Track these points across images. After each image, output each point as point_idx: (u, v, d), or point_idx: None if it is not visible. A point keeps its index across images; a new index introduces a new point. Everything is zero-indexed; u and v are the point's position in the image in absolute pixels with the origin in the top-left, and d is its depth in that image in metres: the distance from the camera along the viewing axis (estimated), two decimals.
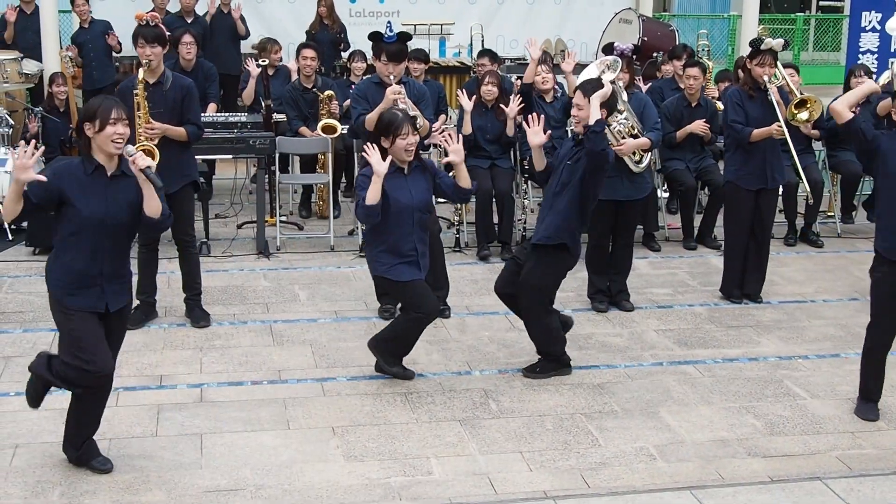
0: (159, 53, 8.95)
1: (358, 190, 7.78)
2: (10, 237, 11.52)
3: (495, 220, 11.52)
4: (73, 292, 6.34)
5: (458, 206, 11.44)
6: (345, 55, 14.84)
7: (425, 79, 12.73)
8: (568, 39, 17.77)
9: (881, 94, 10.56)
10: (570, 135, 8.64)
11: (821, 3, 28.02)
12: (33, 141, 7.17)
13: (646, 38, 15.59)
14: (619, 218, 9.58)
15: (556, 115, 11.53)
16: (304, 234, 12.24)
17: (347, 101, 12.60)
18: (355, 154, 12.05)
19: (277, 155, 11.92)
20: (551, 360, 8.26)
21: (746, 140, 9.58)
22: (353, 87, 13.16)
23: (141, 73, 8.79)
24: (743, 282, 10.05)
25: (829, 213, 12.89)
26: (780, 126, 9.52)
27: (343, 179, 13.56)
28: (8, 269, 10.70)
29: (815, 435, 7.37)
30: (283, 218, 12.43)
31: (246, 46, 15.99)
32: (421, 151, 8.21)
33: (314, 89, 12.48)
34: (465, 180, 8.03)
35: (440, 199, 12.83)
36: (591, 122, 7.93)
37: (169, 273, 10.06)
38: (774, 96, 9.57)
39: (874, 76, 12.08)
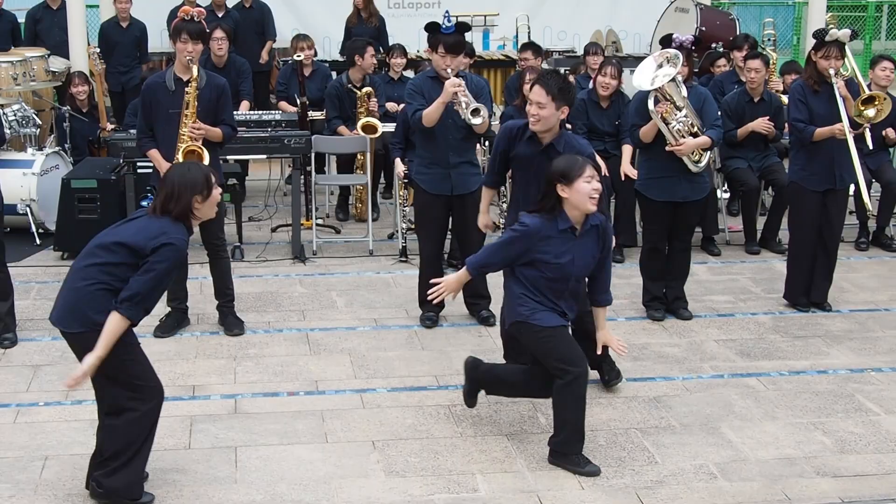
0: (200, 51, 9.00)
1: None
2: (38, 241, 11.61)
3: None
4: None
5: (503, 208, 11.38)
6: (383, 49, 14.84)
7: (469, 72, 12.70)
8: (620, 30, 17.66)
9: None
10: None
11: None
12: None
13: (704, 28, 15.47)
14: (677, 220, 9.50)
15: (609, 128, 11.48)
16: (341, 237, 12.25)
17: (392, 105, 12.64)
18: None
19: (313, 155, 11.93)
20: None
21: (809, 139, 9.47)
22: (391, 83, 13.27)
23: (194, 71, 8.80)
24: (810, 288, 9.94)
25: None
26: (842, 129, 9.39)
27: (382, 180, 13.56)
28: (36, 274, 10.79)
29: (889, 453, 7.29)
30: (320, 221, 12.45)
31: (282, 40, 16.03)
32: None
33: (350, 85, 12.49)
34: None
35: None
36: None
37: (201, 279, 10.10)
38: (841, 91, 9.44)
39: None
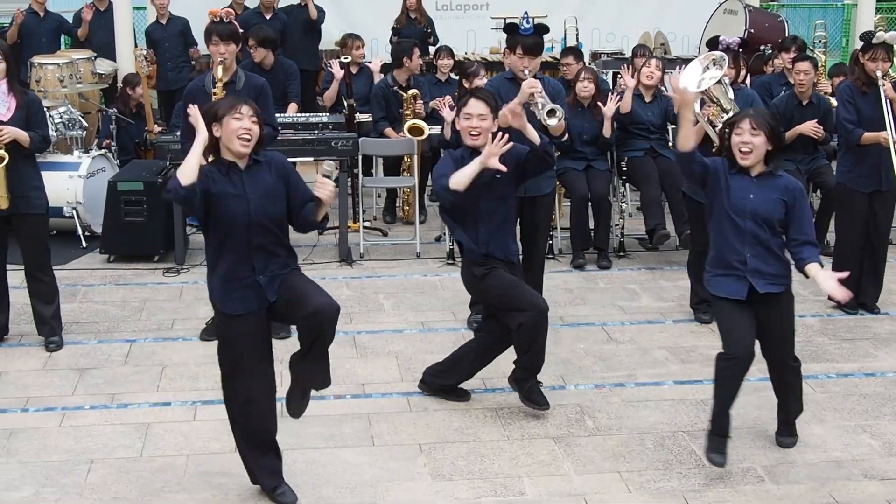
0: (233, 51, 9.04)
1: None
2: (84, 244, 11.71)
3: (591, 225, 11.51)
4: None
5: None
6: (431, 50, 14.90)
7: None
8: (668, 32, 17.68)
9: None
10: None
11: None
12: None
13: (752, 30, 15.46)
14: None
15: (654, 120, 11.52)
16: (388, 240, 12.32)
17: (437, 101, 12.68)
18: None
19: (360, 157, 11.99)
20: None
21: (856, 142, 9.49)
22: (438, 84, 13.32)
23: (220, 72, 8.88)
24: (858, 291, 9.93)
25: None
26: (887, 138, 9.38)
27: (429, 183, 13.61)
28: (82, 277, 10.89)
29: None
30: (367, 223, 12.52)
31: (327, 43, 16.13)
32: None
33: (395, 87, 12.56)
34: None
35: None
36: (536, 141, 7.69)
37: None
38: (888, 93, 9.44)
39: None
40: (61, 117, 12.54)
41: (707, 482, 6.88)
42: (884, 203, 9.75)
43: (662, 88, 11.83)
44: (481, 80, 11.11)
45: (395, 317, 9.84)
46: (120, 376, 8.44)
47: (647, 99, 11.65)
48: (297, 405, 6.64)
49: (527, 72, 8.94)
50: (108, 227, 11.33)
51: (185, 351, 8.96)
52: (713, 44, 9.62)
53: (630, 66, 13.46)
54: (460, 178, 7.39)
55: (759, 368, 8.57)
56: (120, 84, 14.27)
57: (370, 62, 14.08)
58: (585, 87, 11.44)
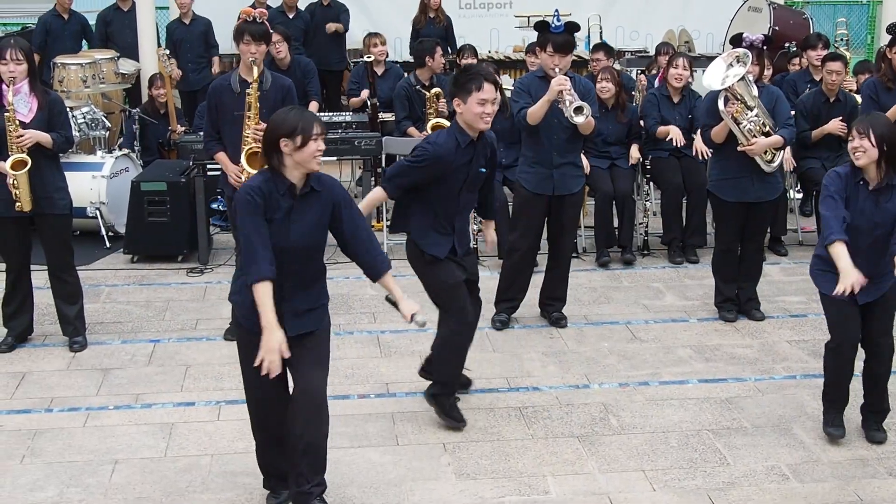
0: (264, 51, 9.00)
1: None
2: (108, 244, 11.76)
3: (615, 223, 11.52)
4: None
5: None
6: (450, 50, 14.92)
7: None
8: (692, 30, 17.65)
9: None
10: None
11: None
12: None
13: (777, 28, 15.44)
14: (749, 221, 9.51)
15: (681, 122, 11.50)
16: None
17: None
18: None
19: (384, 156, 12.02)
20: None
21: None
22: None
23: (255, 72, 8.86)
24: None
25: None
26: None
27: None
28: (106, 277, 10.94)
29: None
30: (391, 222, 12.50)
31: (351, 42, 16.15)
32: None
33: (418, 86, 12.58)
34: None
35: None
36: None
37: None
38: None
39: None
40: (84, 117, 12.57)
41: (732, 481, 6.89)
42: None
43: (691, 82, 11.80)
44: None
45: (419, 315, 9.82)
46: (144, 376, 8.48)
47: (675, 99, 11.63)
48: None
49: (557, 70, 8.96)
50: (132, 227, 11.37)
51: (208, 351, 8.99)
52: (737, 41, 9.61)
53: (655, 66, 13.48)
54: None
55: (783, 367, 8.62)
56: (145, 85, 14.30)
57: (397, 63, 14.09)
58: (605, 88, 11.43)
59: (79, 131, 12.24)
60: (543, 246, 9.66)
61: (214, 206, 12.05)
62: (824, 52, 12.24)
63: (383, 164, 12.06)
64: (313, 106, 12.56)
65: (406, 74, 13.50)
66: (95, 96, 13.84)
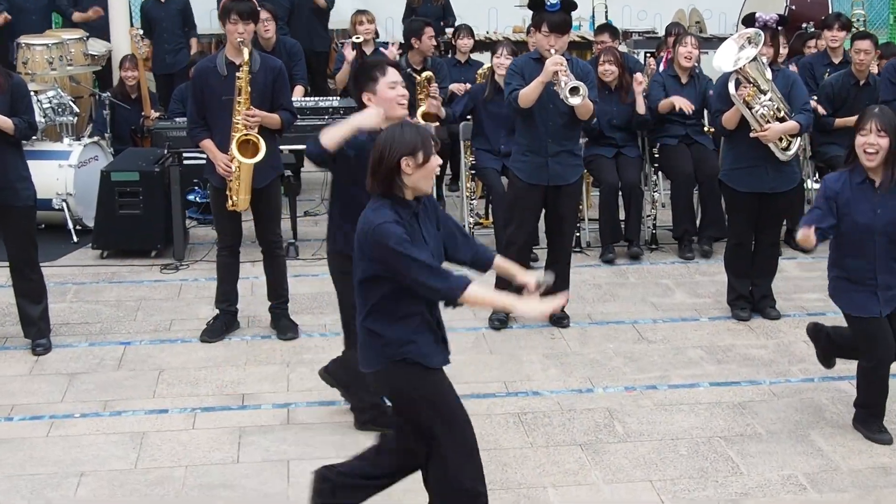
0: (252, 31, 8.98)
1: None
2: (75, 239, 11.73)
3: (621, 216, 11.50)
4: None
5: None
6: (449, 31, 14.88)
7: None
8: (704, 10, 17.62)
9: None
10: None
11: None
12: None
13: (793, 7, 15.48)
14: (763, 213, 9.49)
15: (692, 102, 11.47)
16: None
17: (457, 85, 12.66)
18: (461, 143, 12.10)
19: None
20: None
21: None
22: (458, 66, 13.32)
23: (245, 53, 8.82)
24: None
25: None
26: None
27: (448, 171, 13.58)
28: (73, 274, 10.91)
29: None
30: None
31: (338, 22, 16.11)
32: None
33: (409, 70, 12.53)
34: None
35: None
36: None
37: (252, 278, 10.21)
38: None
39: None
40: (50, 102, 12.49)
41: (745, 491, 6.87)
42: None
43: (697, 67, 11.79)
44: (506, 60, 11.08)
45: None
46: (113, 382, 8.45)
47: (684, 80, 11.60)
48: None
49: (553, 51, 8.95)
50: (102, 220, 11.33)
51: (184, 354, 8.96)
52: (749, 21, 9.60)
53: (665, 47, 13.44)
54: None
55: (800, 369, 8.61)
56: (116, 67, 14.23)
57: (387, 44, 14.03)
58: (607, 71, 11.41)
59: (44, 117, 12.19)
60: (543, 240, 9.64)
61: (191, 197, 12.03)
62: (841, 34, 12.22)
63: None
64: (299, 91, 12.51)
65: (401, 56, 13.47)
66: (62, 79, 13.78)
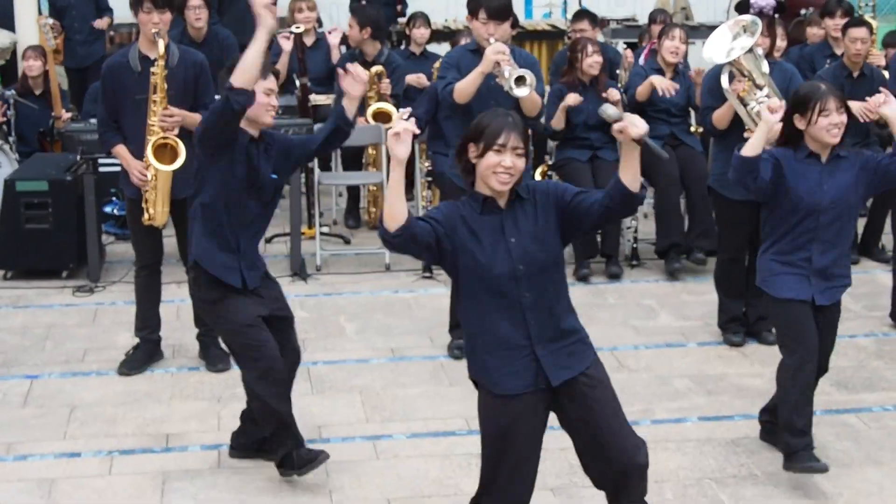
0: (168, 21, 8.97)
1: None
2: None
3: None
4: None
5: None
6: (402, 19, 14.92)
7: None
8: None
9: None
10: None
11: None
12: None
13: None
14: (759, 224, 9.51)
15: (677, 101, 11.49)
16: (351, 249, 12.34)
17: (415, 77, 12.66)
18: (416, 146, 12.09)
19: None
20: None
21: None
22: (412, 58, 13.33)
23: (161, 47, 8.80)
24: None
25: None
26: None
27: None
28: None
29: None
30: (325, 229, 12.52)
31: (281, 9, 16.10)
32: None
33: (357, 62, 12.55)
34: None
35: None
36: None
37: (178, 302, 10.17)
38: None
39: None
40: None
41: None
42: None
43: (682, 63, 11.83)
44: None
45: (359, 343, 9.85)
46: (18, 421, 8.40)
47: (669, 76, 11.64)
48: None
49: (492, 40, 8.96)
50: (5, 236, 11.29)
51: (99, 388, 8.92)
52: (744, 7, 9.65)
53: (648, 37, 13.47)
54: None
55: None
56: (21, 59, 14.18)
57: (329, 32, 14.04)
58: (595, 63, 11.43)
59: None
60: None
61: (108, 209, 11.99)
62: (843, 22, 12.28)
63: (315, 159, 11.99)
64: None
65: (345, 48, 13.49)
66: None
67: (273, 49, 13.75)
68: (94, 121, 11.03)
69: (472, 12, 9.15)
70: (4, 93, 13.55)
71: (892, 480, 7.53)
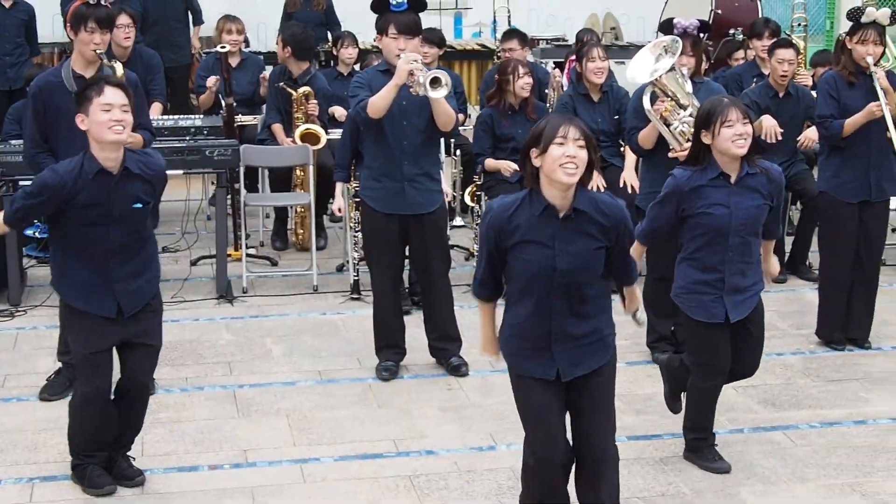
0: (108, 41, 8.92)
1: None
2: None
3: None
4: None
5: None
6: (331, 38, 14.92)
7: (438, 67, 12.65)
8: (620, 14, 17.83)
9: None
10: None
11: None
12: None
13: (720, 11, 15.63)
14: None
15: (604, 127, 11.51)
16: (278, 270, 12.29)
17: (339, 111, 12.66)
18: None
19: (243, 169, 11.96)
20: None
21: (839, 137, 9.57)
22: (339, 79, 13.32)
23: (119, 69, 8.71)
24: (847, 323, 10.04)
25: None
26: (880, 107, 9.45)
27: (331, 201, 13.54)
28: None
29: None
30: (252, 251, 12.47)
31: (203, 28, 16.07)
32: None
33: (283, 84, 12.52)
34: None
35: (456, 223, 12.91)
36: None
37: None
38: (881, 83, 9.51)
39: None
40: None
41: None
42: (875, 216, 9.83)
43: (609, 82, 11.84)
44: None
45: (286, 365, 9.80)
46: None
47: (596, 98, 11.65)
48: None
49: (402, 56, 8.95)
50: None
51: (19, 414, 8.81)
52: (667, 28, 9.68)
53: (574, 59, 13.50)
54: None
55: (728, 419, 8.66)
56: None
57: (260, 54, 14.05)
58: (527, 85, 11.43)
59: None
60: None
61: (29, 232, 11.88)
62: (771, 42, 12.34)
63: (241, 179, 11.95)
64: (157, 108, 12.42)
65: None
66: None
67: (200, 70, 13.76)
68: (14, 143, 10.94)
69: (381, 31, 9.19)
70: None
71: (819, 497, 7.56)
